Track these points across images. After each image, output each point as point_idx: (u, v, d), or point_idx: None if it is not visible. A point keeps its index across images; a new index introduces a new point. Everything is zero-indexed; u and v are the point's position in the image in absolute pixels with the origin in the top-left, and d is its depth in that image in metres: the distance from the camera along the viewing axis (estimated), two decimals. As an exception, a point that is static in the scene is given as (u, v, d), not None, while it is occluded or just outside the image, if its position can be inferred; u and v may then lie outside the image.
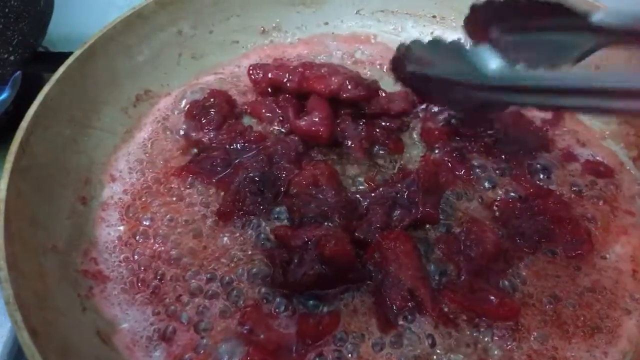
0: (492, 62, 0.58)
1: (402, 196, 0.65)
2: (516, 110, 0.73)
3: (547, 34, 0.59)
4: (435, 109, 0.74)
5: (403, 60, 0.68)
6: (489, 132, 0.71)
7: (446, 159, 0.70)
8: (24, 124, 0.60)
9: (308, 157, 0.72)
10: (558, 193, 0.67)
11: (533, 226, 0.63)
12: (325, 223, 0.61)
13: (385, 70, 0.85)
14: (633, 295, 0.60)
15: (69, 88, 0.66)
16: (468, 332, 0.57)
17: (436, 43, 0.66)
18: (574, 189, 0.68)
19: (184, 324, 0.57)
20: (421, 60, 0.66)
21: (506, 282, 0.60)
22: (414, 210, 0.64)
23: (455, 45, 0.65)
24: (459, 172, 0.69)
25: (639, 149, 0.71)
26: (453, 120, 0.72)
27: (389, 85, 0.78)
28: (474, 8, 0.67)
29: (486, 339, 0.56)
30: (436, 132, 0.72)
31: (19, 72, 0.91)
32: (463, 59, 0.62)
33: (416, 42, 0.67)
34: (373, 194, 0.66)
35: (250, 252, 0.62)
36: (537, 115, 0.76)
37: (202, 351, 0.55)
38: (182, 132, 0.75)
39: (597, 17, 0.53)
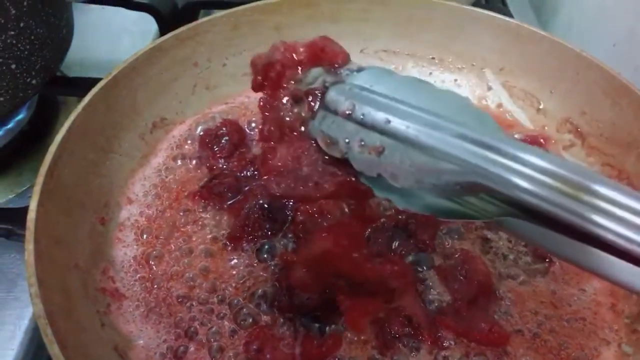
0: None
1: (401, 227, 0.70)
2: None
3: None
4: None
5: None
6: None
7: None
8: (52, 149, 0.64)
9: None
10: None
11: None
12: (330, 250, 0.65)
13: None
14: (612, 326, 0.65)
15: (94, 115, 0.70)
16: (459, 356, 0.61)
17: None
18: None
19: (195, 343, 0.61)
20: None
21: (495, 310, 0.65)
22: (412, 241, 0.69)
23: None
24: None
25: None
26: None
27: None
28: None
29: (476, 364, 0.61)
30: None
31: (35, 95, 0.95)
32: None
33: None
34: (374, 224, 0.71)
35: (258, 276, 0.66)
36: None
37: (212, 370, 0.59)
38: (195, 159, 0.80)
39: None
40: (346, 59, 0.52)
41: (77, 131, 0.68)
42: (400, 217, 0.70)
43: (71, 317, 0.57)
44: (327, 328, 0.62)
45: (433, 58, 0.95)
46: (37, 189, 0.60)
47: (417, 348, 0.61)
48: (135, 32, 1.23)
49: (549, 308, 0.65)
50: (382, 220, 0.71)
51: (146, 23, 1.15)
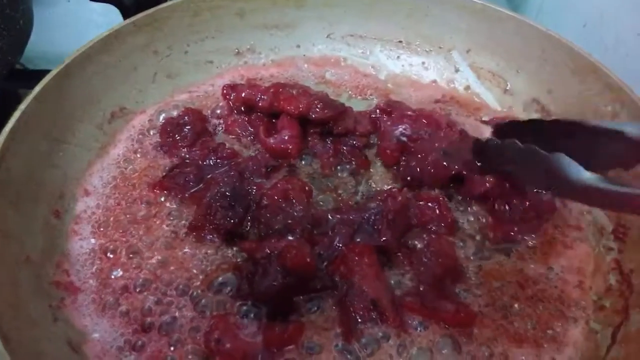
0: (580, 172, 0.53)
1: (368, 221, 0.67)
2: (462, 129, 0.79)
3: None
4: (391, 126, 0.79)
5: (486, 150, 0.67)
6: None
7: (420, 202, 0.70)
8: (0, 140, 0.61)
9: (280, 173, 0.76)
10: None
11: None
12: (289, 236, 0.64)
13: (350, 91, 0.89)
14: (579, 303, 0.64)
15: (45, 105, 0.68)
16: (426, 339, 0.60)
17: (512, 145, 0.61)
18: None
19: (154, 335, 0.59)
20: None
21: (461, 291, 0.64)
22: (375, 236, 0.66)
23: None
24: (431, 212, 0.70)
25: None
26: (404, 138, 0.76)
27: (356, 106, 0.83)
28: (498, 126, 0.70)
29: (444, 346, 0.59)
30: (388, 151, 0.77)
31: (-6, 88, 0.93)
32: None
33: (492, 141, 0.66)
34: (340, 215, 0.68)
35: (218, 265, 0.65)
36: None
37: (171, 361, 0.57)
38: (156, 149, 0.78)
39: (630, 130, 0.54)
40: None
41: (28, 122, 0.65)
42: (369, 211, 0.67)
43: (20, 312, 0.55)
44: (289, 316, 0.60)
45: (400, 41, 0.93)
46: (-18, 181, 0.58)
47: (384, 335, 0.60)
48: (102, 24, 1.20)
49: (516, 288, 0.65)
50: (350, 213, 0.68)
51: (113, 15, 1.12)
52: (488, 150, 0.67)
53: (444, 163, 0.72)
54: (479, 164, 0.70)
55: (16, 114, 0.65)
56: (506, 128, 0.69)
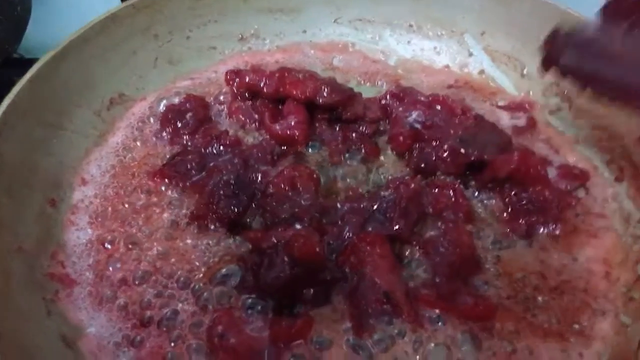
0: None
1: (380, 209, 0.63)
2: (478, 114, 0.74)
3: None
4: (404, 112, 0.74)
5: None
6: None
7: (435, 190, 0.67)
8: (-9, 124, 0.58)
9: (286, 161, 0.72)
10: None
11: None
12: (297, 225, 0.60)
13: (359, 78, 0.86)
14: (607, 295, 0.60)
15: (40, 89, 0.65)
16: (443, 334, 0.56)
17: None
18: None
19: (153, 329, 0.56)
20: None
21: (480, 283, 0.60)
22: (388, 225, 0.63)
23: None
24: (446, 199, 0.66)
25: (612, 152, 0.72)
26: (417, 125, 0.72)
27: (365, 92, 0.79)
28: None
29: (463, 342, 0.56)
30: (401, 138, 0.72)
31: (-10, 77, 0.90)
32: None
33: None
34: (350, 204, 0.65)
35: (222, 256, 0.61)
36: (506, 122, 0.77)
37: (172, 357, 0.54)
38: (156, 136, 0.74)
39: None
40: None
41: (21, 106, 0.62)
42: (380, 200, 0.64)
43: (11, 304, 0.51)
44: (297, 309, 0.57)
45: (411, 25, 0.89)
46: (-28, 167, 0.55)
47: (399, 331, 0.56)
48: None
49: (538, 279, 0.61)
50: (361, 202, 0.65)
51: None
52: (570, 43, 0.56)
53: (462, 150, 0.68)
54: (549, 63, 0.60)
55: (8, 98, 0.62)
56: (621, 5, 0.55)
